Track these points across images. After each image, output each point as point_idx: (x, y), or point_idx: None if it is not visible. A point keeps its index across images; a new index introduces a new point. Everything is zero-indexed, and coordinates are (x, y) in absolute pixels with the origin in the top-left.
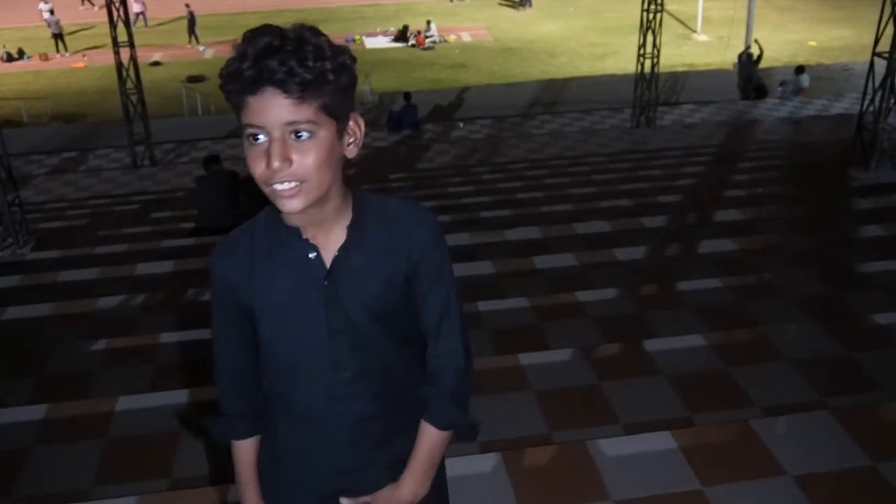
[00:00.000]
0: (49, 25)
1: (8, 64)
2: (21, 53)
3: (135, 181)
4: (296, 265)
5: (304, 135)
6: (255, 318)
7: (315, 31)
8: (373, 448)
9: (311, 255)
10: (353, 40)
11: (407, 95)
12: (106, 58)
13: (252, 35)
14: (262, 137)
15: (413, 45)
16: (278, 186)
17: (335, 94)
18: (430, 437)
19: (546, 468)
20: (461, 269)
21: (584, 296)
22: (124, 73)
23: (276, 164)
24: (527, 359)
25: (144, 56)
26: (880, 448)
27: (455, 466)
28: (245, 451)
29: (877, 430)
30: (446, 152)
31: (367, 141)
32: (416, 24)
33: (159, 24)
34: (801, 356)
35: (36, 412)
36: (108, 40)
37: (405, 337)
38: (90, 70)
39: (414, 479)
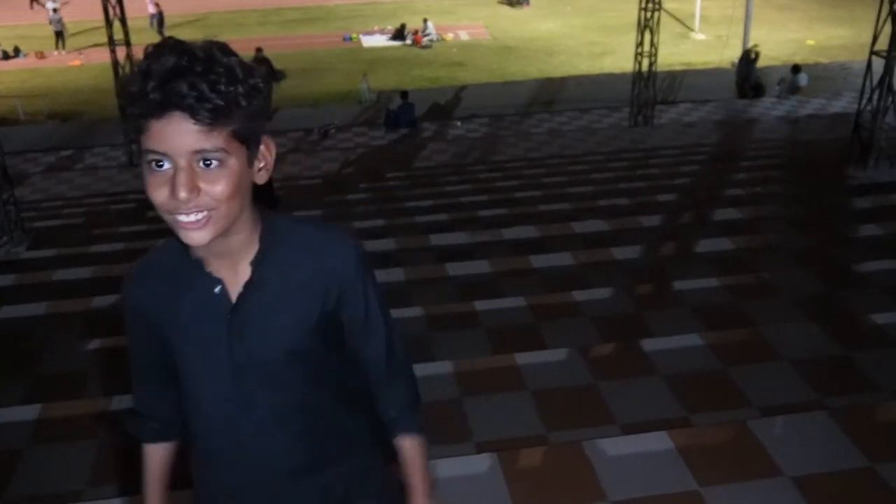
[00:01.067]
0: (51, 23)
1: (4, 62)
2: (17, 51)
3: (131, 180)
4: (201, 298)
5: (214, 163)
6: (170, 344)
7: (226, 50)
8: (297, 484)
9: (216, 290)
10: (351, 38)
11: (404, 94)
12: (102, 56)
13: (156, 52)
14: (165, 164)
15: (411, 44)
16: (182, 218)
17: (247, 120)
18: (409, 446)
19: (542, 469)
20: (458, 269)
21: (581, 295)
22: (120, 70)
23: (182, 194)
24: (523, 358)
25: (140, 54)
26: (878, 449)
27: (450, 467)
28: (150, 455)
29: (875, 430)
30: (444, 151)
31: (365, 140)
32: (413, 23)
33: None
34: (799, 356)
35: (30, 412)
36: (106, 39)
37: (328, 374)
38: (86, 68)
39: (424, 498)
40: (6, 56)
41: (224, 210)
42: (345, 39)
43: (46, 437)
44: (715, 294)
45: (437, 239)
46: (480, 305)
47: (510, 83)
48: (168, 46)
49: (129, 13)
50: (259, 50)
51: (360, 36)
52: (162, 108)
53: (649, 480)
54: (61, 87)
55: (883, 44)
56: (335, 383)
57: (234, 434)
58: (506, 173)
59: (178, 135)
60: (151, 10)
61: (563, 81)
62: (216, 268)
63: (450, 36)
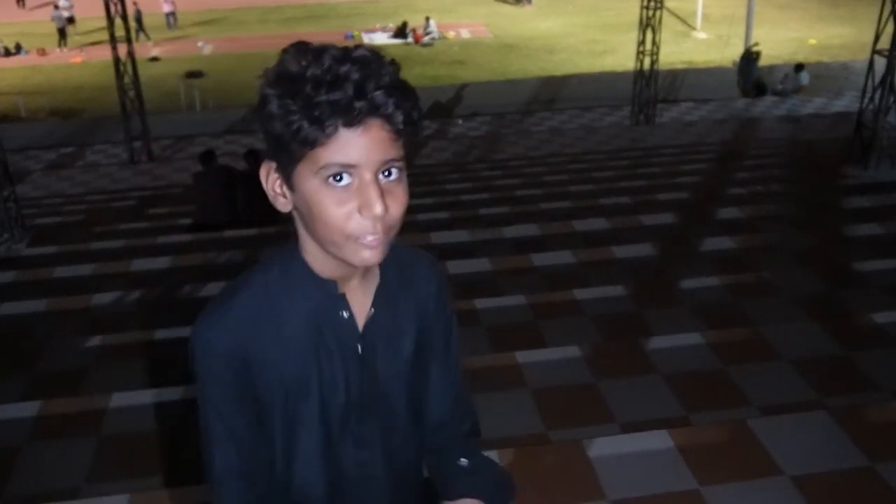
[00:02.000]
0: (53, 20)
1: (5, 58)
2: (18, 48)
3: (132, 177)
4: (322, 326)
5: (395, 174)
6: (260, 390)
7: (382, 57)
8: None
9: (344, 315)
10: (353, 36)
11: None
12: (104, 53)
13: (333, 53)
14: (345, 178)
15: (410, 42)
16: (368, 239)
17: (420, 129)
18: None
19: (542, 467)
20: (459, 267)
21: (581, 294)
22: (122, 68)
23: (378, 209)
24: (524, 357)
25: (143, 51)
26: (878, 449)
27: None
28: None
29: (875, 430)
30: (445, 149)
31: None
32: (415, 21)
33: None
34: (800, 355)
35: (29, 409)
36: (107, 36)
37: (420, 407)
38: (88, 65)
39: None
40: (7, 53)
41: (398, 228)
42: (346, 37)
43: (45, 434)
44: (715, 293)
45: (437, 237)
46: (481, 304)
47: (511, 81)
48: (331, 50)
49: (148, 8)
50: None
51: (362, 34)
52: (365, 116)
53: (649, 479)
54: (62, 84)
55: (885, 43)
56: (421, 426)
57: (347, 476)
58: (507, 171)
59: (373, 143)
60: (167, 8)
61: (564, 80)
62: (341, 290)
63: (451, 34)
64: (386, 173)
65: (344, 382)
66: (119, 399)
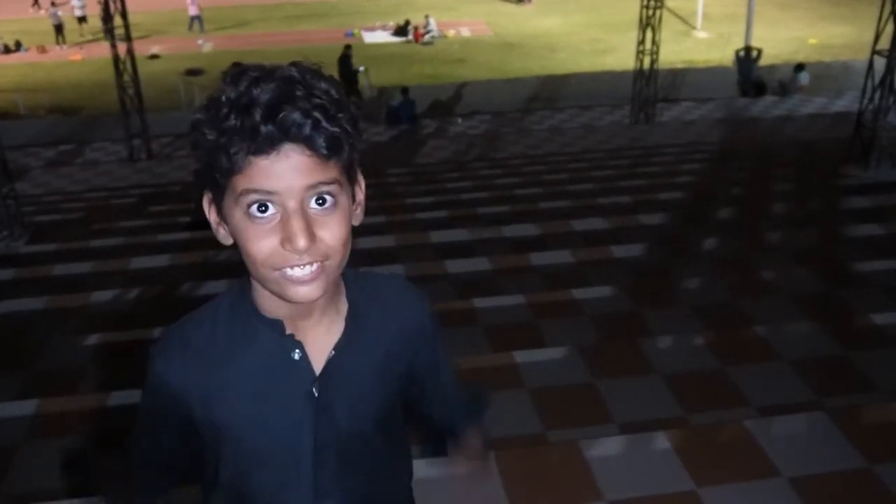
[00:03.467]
0: (50, 18)
1: (5, 56)
2: (18, 45)
3: (132, 174)
4: (274, 369)
5: (328, 200)
6: (211, 440)
7: (316, 72)
8: None
9: (294, 356)
10: (353, 34)
11: (405, 90)
12: (103, 51)
13: (250, 77)
14: (270, 208)
15: (411, 40)
16: (295, 273)
17: (353, 151)
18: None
19: (539, 467)
20: (458, 266)
21: (580, 293)
22: (121, 65)
23: (301, 242)
24: (522, 356)
25: (142, 49)
26: (876, 450)
27: (446, 464)
28: None
29: (873, 431)
30: (444, 147)
31: (365, 136)
32: (416, 19)
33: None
34: (798, 356)
35: (27, 407)
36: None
37: (394, 437)
38: (87, 63)
39: (479, 447)
40: (7, 50)
41: (337, 259)
42: (346, 35)
43: (43, 432)
44: (715, 293)
45: (436, 236)
46: (479, 303)
47: (511, 80)
48: (253, 71)
49: (149, 6)
50: (348, 47)
51: (362, 32)
52: (275, 141)
53: (647, 480)
54: (62, 82)
55: (885, 43)
56: (397, 456)
57: None
58: (506, 170)
59: (291, 168)
60: (193, 11)
61: (564, 79)
62: (293, 330)
63: (451, 32)
64: (319, 201)
65: (299, 425)
66: (118, 398)
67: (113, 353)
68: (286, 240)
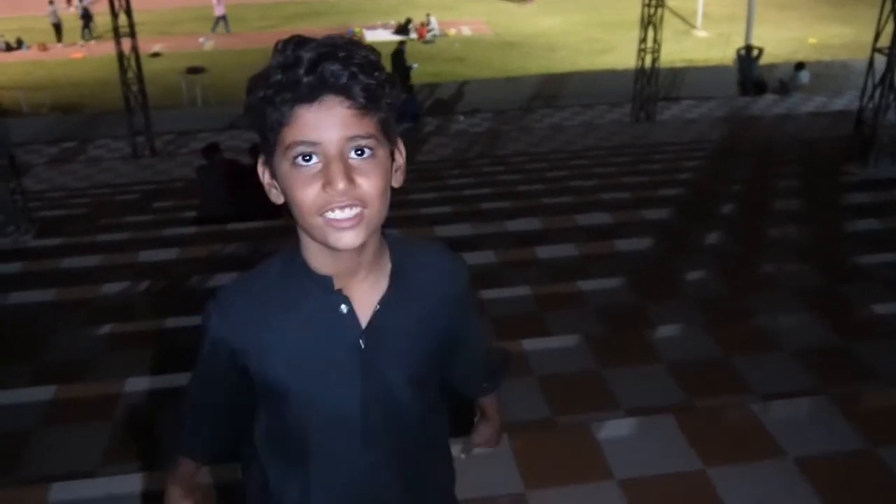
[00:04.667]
0: (49, 16)
1: (7, 53)
2: (20, 43)
3: (135, 171)
4: (323, 323)
5: (366, 151)
6: (264, 393)
7: (358, 42)
8: None
9: (342, 309)
10: (354, 33)
11: (407, 88)
12: (105, 49)
13: (297, 41)
14: (314, 158)
15: (415, 38)
16: (336, 215)
17: (389, 110)
18: (491, 400)
19: (551, 449)
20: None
21: (585, 285)
22: (125, 63)
23: (340, 184)
24: (530, 345)
25: (144, 48)
26: (878, 432)
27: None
28: (188, 472)
29: (874, 415)
30: (446, 145)
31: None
32: (416, 18)
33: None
34: (800, 346)
35: (42, 393)
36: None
37: (434, 400)
38: (89, 61)
39: (497, 420)
40: (9, 48)
41: (376, 207)
42: (347, 34)
43: (58, 418)
44: (717, 285)
45: (441, 230)
46: (486, 294)
47: (512, 79)
48: (301, 38)
49: (150, 4)
50: (402, 43)
51: (363, 30)
52: (316, 90)
53: (656, 460)
54: (64, 80)
55: (885, 41)
56: (438, 419)
57: (346, 476)
58: (508, 167)
59: (332, 119)
60: (220, 11)
61: (565, 77)
62: (341, 285)
63: (452, 31)
64: (358, 152)
65: (348, 377)
66: (133, 384)
67: (124, 342)
68: (327, 183)
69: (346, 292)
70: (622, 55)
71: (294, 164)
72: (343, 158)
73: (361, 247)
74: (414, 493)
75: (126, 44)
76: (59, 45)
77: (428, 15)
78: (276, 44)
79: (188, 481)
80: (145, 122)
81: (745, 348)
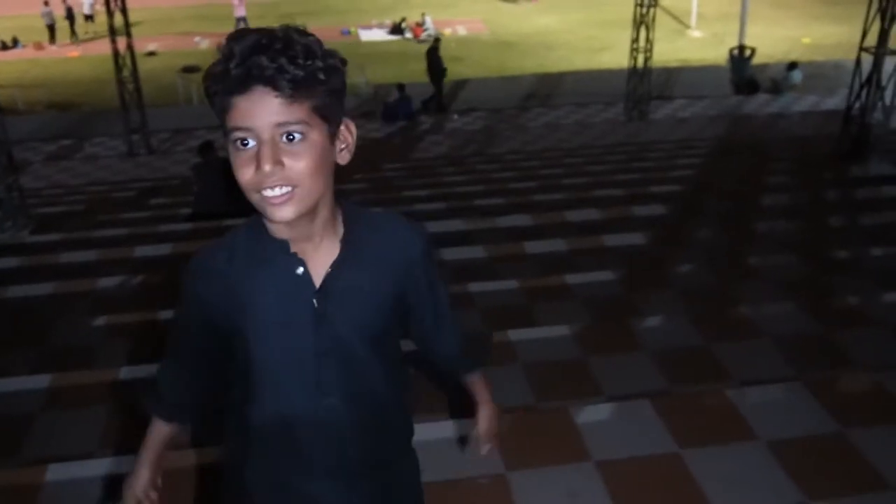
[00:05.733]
0: (43, 16)
1: (2, 52)
2: (15, 42)
3: (131, 169)
4: (281, 282)
5: (296, 136)
6: (234, 341)
7: (303, 32)
8: (350, 479)
9: (298, 271)
10: (349, 32)
11: (401, 87)
12: (100, 48)
13: (237, 35)
14: (250, 142)
15: (411, 38)
16: (268, 192)
17: (326, 96)
18: (477, 378)
19: (531, 431)
20: (454, 254)
21: (573, 279)
22: (121, 61)
23: (266, 167)
24: (516, 335)
25: (139, 46)
26: (849, 416)
27: (439, 429)
28: (158, 430)
29: (846, 399)
30: (441, 143)
31: (362, 132)
32: (411, 17)
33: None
34: (780, 334)
35: (41, 381)
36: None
37: (391, 358)
38: (85, 60)
39: (491, 406)
40: (4, 47)
41: (307, 186)
42: (343, 33)
43: (57, 404)
44: (704, 278)
45: (433, 226)
46: (475, 287)
47: (508, 78)
48: (248, 30)
49: (146, 3)
50: (437, 40)
51: (359, 30)
52: (244, 82)
53: (631, 443)
54: (60, 78)
55: (872, 41)
56: (394, 375)
57: (309, 419)
58: (503, 165)
59: (261, 108)
60: (240, 12)
61: (560, 76)
62: (299, 249)
63: (448, 31)
64: (289, 136)
65: (303, 330)
66: (129, 373)
67: (120, 333)
68: (258, 165)
69: (303, 255)
70: (619, 54)
71: (235, 146)
72: (273, 143)
73: (310, 216)
74: (370, 439)
75: (122, 43)
76: (54, 46)
77: (423, 14)
78: (228, 34)
79: (157, 449)
80: (141, 121)
81: (726, 336)
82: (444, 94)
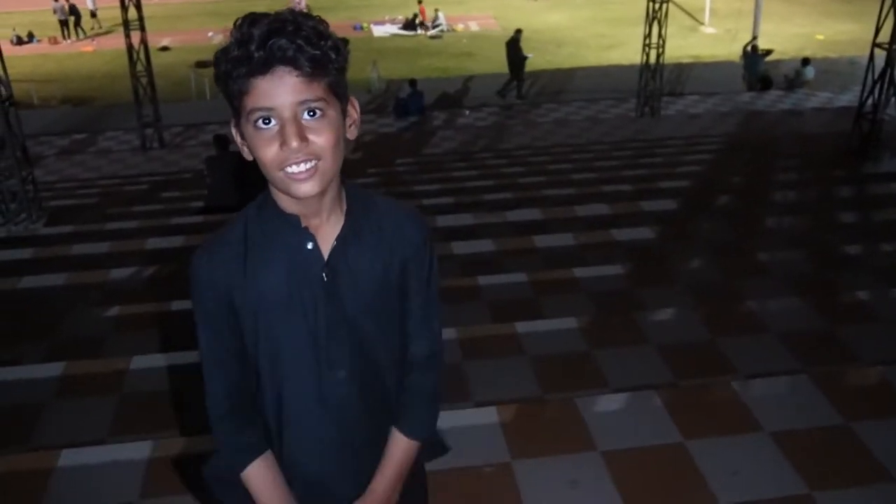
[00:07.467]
0: (55, 12)
1: (18, 47)
2: (31, 37)
3: (143, 162)
4: (292, 256)
5: (317, 112)
6: (244, 317)
7: (307, 15)
8: (354, 456)
9: (308, 246)
10: (361, 28)
11: (412, 82)
12: (114, 43)
13: (249, 20)
14: (272, 121)
15: (421, 34)
16: (294, 168)
17: (338, 74)
18: (404, 446)
19: (537, 422)
20: (463, 247)
21: (580, 272)
22: (135, 56)
23: (294, 143)
24: (523, 327)
25: (153, 41)
26: (854, 409)
27: (450, 418)
28: (260, 474)
29: (852, 393)
30: (452, 139)
31: (374, 127)
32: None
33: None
34: (786, 330)
35: (55, 369)
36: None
37: (393, 337)
38: (99, 54)
39: (387, 485)
40: (20, 41)
41: (329, 160)
42: (355, 28)
43: (69, 392)
44: (711, 273)
45: (443, 220)
46: (483, 280)
47: None
48: (258, 15)
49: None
50: (519, 31)
51: (371, 25)
52: (266, 63)
53: (637, 433)
54: (74, 73)
55: (885, 36)
56: (397, 354)
57: (314, 397)
58: (512, 160)
59: (283, 87)
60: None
61: (571, 73)
62: (308, 224)
63: (460, 26)
64: (310, 113)
65: (313, 304)
66: (139, 361)
67: (132, 323)
68: (283, 143)
69: (312, 231)
70: (629, 50)
71: (256, 127)
72: (296, 120)
73: (321, 193)
74: (375, 415)
75: (135, 37)
76: (68, 40)
77: (436, 10)
78: (235, 21)
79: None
80: (154, 115)
81: (733, 331)
82: (523, 81)
